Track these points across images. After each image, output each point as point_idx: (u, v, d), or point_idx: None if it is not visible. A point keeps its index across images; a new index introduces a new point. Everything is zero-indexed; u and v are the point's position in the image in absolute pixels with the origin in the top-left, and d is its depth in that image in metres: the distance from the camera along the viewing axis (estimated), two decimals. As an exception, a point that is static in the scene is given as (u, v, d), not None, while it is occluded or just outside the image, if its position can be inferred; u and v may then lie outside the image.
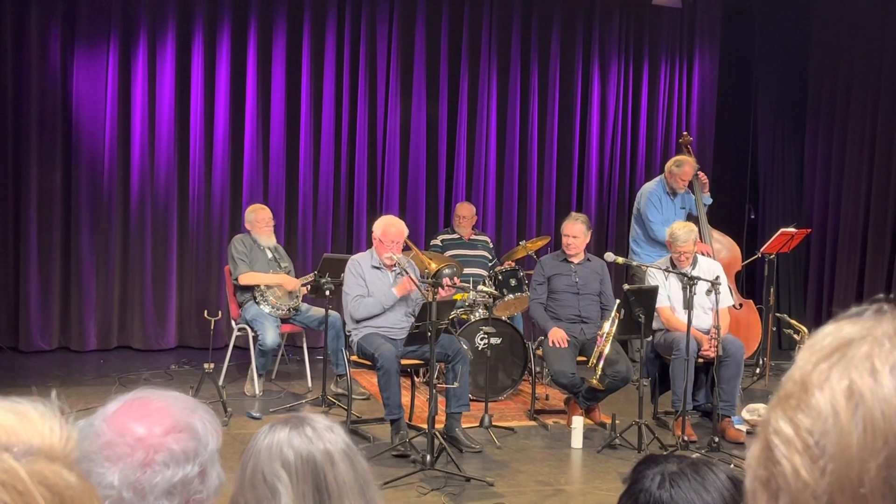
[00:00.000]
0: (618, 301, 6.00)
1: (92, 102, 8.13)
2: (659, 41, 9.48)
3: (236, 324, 6.99)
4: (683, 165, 7.50)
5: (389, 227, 5.97)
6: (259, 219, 7.07)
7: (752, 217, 9.65)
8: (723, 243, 7.67)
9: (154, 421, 1.44)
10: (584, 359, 6.20)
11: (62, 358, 7.91)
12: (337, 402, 6.47)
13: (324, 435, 1.70)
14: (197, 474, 1.42)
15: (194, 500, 1.42)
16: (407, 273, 5.87)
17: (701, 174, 7.71)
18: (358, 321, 5.87)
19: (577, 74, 9.27)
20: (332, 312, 6.60)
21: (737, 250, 7.73)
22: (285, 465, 1.65)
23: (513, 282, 7.10)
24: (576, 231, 6.44)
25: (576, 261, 6.51)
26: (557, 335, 6.24)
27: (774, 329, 7.93)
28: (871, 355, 0.75)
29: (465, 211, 8.11)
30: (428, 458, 5.16)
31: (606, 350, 5.91)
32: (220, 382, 6.60)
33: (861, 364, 0.75)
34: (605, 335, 5.94)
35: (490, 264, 7.88)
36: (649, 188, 7.66)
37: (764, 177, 9.76)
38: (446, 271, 6.89)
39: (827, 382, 0.75)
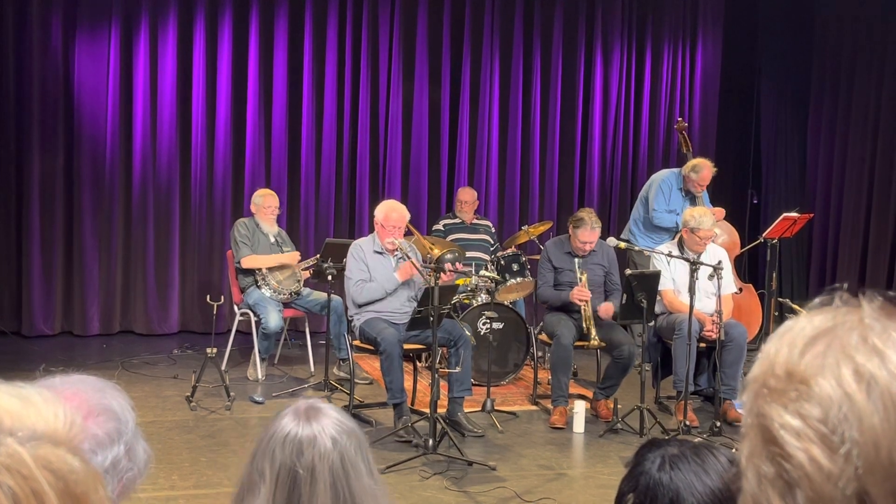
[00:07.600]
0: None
1: (94, 86, 8.12)
2: (662, 25, 9.43)
3: (239, 308, 7.00)
4: (702, 171, 7.11)
5: (391, 213, 5.96)
6: (266, 204, 7.07)
7: (755, 202, 9.64)
8: (722, 228, 7.63)
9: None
10: (583, 344, 6.14)
11: (65, 342, 7.93)
12: (339, 387, 6.48)
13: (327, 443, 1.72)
14: (124, 453, 1.41)
15: (126, 478, 1.41)
16: (409, 258, 5.86)
17: None
18: (360, 306, 5.87)
19: (579, 58, 9.23)
20: (335, 297, 6.61)
21: (735, 235, 7.70)
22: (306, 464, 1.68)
23: (515, 266, 7.08)
24: (593, 238, 6.23)
25: (580, 254, 6.38)
26: (579, 292, 6.10)
27: (777, 314, 7.91)
28: (866, 337, 0.75)
29: (466, 196, 8.10)
30: (430, 442, 5.17)
31: (590, 311, 6.03)
32: (223, 367, 6.62)
33: (860, 347, 0.75)
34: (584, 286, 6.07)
35: (492, 249, 7.88)
36: (662, 176, 7.45)
37: (767, 161, 9.74)
38: (448, 256, 6.89)
39: (825, 369, 0.75)
